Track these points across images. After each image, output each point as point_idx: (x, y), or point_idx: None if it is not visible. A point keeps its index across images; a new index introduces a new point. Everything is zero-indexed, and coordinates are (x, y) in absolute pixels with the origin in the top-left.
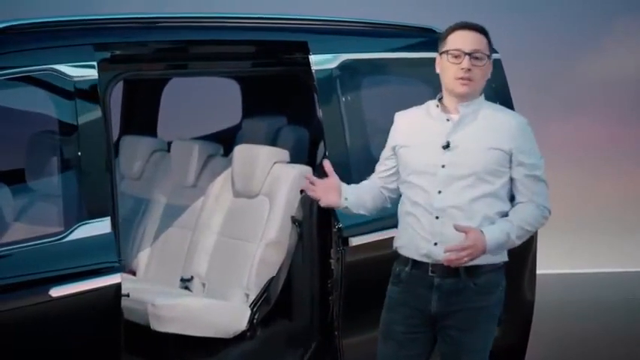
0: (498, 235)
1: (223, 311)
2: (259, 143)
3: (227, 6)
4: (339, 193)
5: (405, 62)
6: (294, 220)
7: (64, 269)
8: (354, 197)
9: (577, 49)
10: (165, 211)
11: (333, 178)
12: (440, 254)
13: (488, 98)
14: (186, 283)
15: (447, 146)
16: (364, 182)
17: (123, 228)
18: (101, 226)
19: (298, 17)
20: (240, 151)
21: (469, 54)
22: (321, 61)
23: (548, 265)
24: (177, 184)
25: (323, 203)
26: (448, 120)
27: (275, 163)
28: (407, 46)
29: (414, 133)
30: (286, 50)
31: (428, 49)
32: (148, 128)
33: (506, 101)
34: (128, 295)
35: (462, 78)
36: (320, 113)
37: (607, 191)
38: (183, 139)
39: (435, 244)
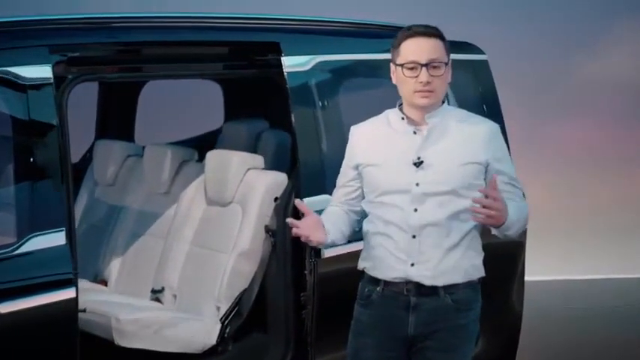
0: (512, 215)
1: (192, 325)
2: (239, 148)
3: (209, 5)
4: (323, 230)
5: (385, 64)
6: (267, 229)
7: (14, 283)
8: (335, 229)
9: (575, 50)
10: (138, 219)
11: (313, 215)
12: (417, 275)
13: (475, 102)
14: (157, 294)
15: (418, 163)
16: (330, 210)
17: (96, 236)
18: (55, 238)
19: (270, 17)
20: (212, 157)
21: (426, 65)
22: (294, 63)
23: (543, 271)
24: (150, 191)
25: (314, 242)
26: (415, 133)
27: (248, 169)
28: (387, 47)
29: (378, 149)
30: (258, 51)
31: None
32: (125, 132)
33: (493, 105)
34: (85, 310)
35: (421, 91)
36: (292, 118)
37: (604, 194)
38: (157, 144)
39: (412, 264)
